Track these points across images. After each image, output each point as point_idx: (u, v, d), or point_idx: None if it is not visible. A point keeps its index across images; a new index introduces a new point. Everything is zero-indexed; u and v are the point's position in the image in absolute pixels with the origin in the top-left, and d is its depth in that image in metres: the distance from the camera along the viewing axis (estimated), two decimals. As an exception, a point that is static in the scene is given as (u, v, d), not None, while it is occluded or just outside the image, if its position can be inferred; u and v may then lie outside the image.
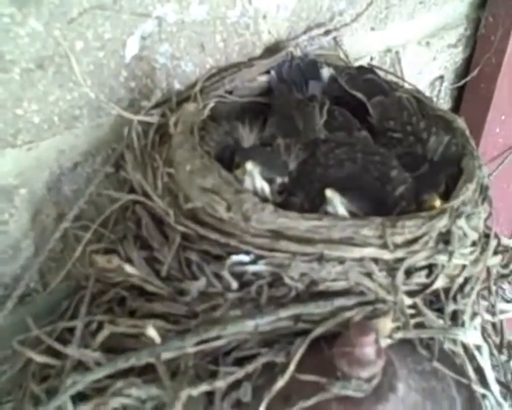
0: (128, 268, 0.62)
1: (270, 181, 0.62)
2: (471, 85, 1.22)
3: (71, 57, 0.61)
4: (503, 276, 0.77)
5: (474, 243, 0.67)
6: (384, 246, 0.60)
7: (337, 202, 0.59)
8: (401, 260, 0.61)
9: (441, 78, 1.19)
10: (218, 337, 0.56)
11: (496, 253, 0.77)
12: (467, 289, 0.66)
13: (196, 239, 0.61)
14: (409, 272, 0.62)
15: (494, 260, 0.75)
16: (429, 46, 1.11)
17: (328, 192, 0.58)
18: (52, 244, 0.67)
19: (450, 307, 0.64)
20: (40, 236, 0.71)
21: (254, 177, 0.60)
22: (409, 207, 0.66)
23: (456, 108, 1.27)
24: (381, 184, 0.67)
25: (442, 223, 0.62)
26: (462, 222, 0.64)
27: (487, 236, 0.72)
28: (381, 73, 0.89)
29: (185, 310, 0.60)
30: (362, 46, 0.98)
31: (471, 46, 1.20)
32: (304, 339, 0.57)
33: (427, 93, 1.19)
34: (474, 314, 0.68)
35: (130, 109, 0.71)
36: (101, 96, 0.67)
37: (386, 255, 0.60)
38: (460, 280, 0.66)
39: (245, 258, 0.58)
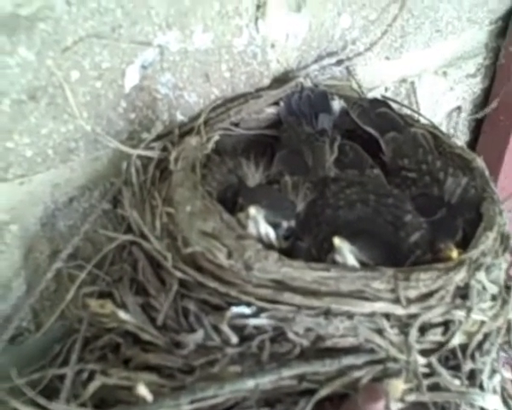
0: (122, 315, 0.59)
1: (275, 225, 0.59)
2: (490, 117, 1.19)
3: (65, 88, 0.59)
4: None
5: (494, 297, 0.63)
6: (396, 301, 0.56)
7: (346, 252, 0.56)
8: (415, 315, 0.57)
9: (458, 108, 1.16)
10: (214, 396, 0.53)
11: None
12: (486, 346, 0.63)
13: (195, 287, 0.58)
14: (423, 329, 0.58)
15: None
16: (446, 76, 1.08)
17: (337, 241, 0.55)
18: (44, 285, 0.64)
19: (468, 366, 0.61)
20: (33, 274, 0.68)
21: (258, 222, 0.57)
22: (423, 257, 0.62)
23: (474, 140, 1.24)
24: (394, 230, 0.64)
25: (460, 276, 0.59)
26: (481, 275, 0.60)
27: (508, 287, 0.68)
28: (396, 106, 0.87)
29: (181, 363, 0.57)
30: (376, 76, 0.95)
31: (490, 76, 1.17)
32: (308, 400, 0.54)
33: (444, 124, 1.16)
34: (494, 372, 0.65)
35: (129, 142, 0.69)
36: (98, 129, 0.65)
37: (399, 311, 0.56)
38: (479, 337, 0.62)
39: (246, 310, 0.55)
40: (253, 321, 0.55)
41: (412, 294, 0.57)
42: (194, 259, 0.59)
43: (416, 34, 0.95)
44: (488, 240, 0.63)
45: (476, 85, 1.16)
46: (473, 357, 0.62)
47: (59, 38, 0.57)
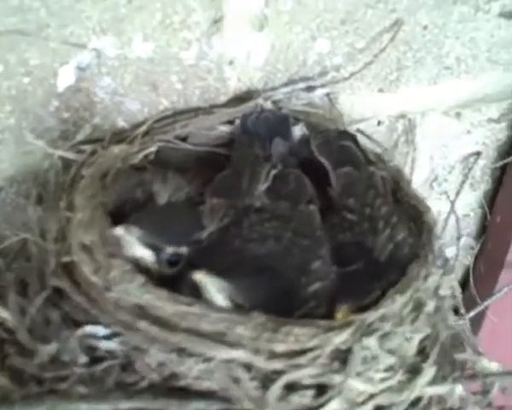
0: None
1: (156, 249, 0.57)
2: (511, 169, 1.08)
3: (-17, 78, 0.60)
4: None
5: (391, 368, 0.56)
6: (258, 352, 0.52)
7: (210, 288, 0.52)
8: (282, 372, 0.52)
9: (477, 154, 1.06)
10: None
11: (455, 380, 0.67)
12: (377, 420, 0.56)
13: (67, 297, 0.57)
14: (292, 388, 0.53)
15: (440, 390, 0.64)
16: (460, 118, 0.99)
17: (198, 276, 0.52)
18: None
19: (354, 439, 0.55)
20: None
21: (130, 243, 0.55)
22: (317, 310, 0.57)
23: (494, 190, 1.13)
24: (297, 275, 0.59)
25: (340, 338, 0.53)
26: (371, 341, 0.54)
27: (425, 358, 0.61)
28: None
29: (38, 372, 0.56)
30: (367, 108, 0.89)
31: (517, 124, 1.06)
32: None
33: (459, 169, 1.07)
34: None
35: (61, 141, 0.69)
36: (24, 124, 0.65)
37: (261, 363, 0.52)
38: (367, 409, 0.56)
39: (100, 331, 0.53)
40: (104, 344, 0.53)
41: (279, 348, 0.52)
42: (72, 269, 0.58)
43: (415, 69, 0.88)
44: (394, 305, 0.57)
45: (501, 132, 1.06)
46: (360, 430, 0.56)
47: (-27, 31, 0.58)
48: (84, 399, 0.51)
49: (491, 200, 1.15)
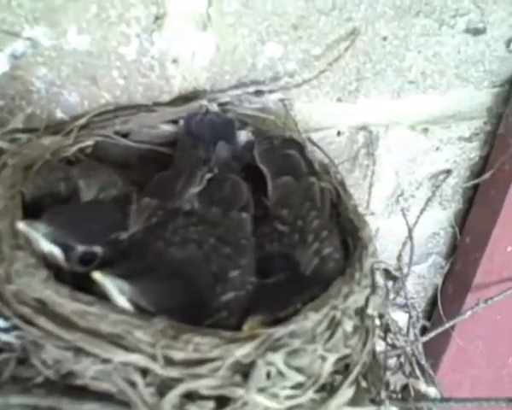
0: None
1: (66, 247, 0.57)
2: (483, 189, 1.08)
3: None
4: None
5: (299, 386, 0.57)
6: (155, 358, 0.52)
7: (110, 289, 0.53)
8: (178, 380, 0.53)
9: (447, 172, 1.07)
10: None
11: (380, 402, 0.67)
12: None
13: (-26, 287, 0.58)
14: (191, 398, 0.54)
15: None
16: (427, 134, 0.99)
17: (96, 275, 0.52)
18: None
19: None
20: None
21: (35, 238, 0.56)
22: (228, 320, 0.58)
23: (466, 210, 1.13)
24: (212, 282, 0.60)
25: (242, 351, 0.53)
26: (276, 357, 0.54)
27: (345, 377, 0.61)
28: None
29: None
30: (326, 117, 0.89)
31: (491, 144, 1.06)
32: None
33: (427, 186, 1.07)
34: None
35: (-5, 127, 0.70)
36: (-46, 107, 0.66)
37: (158, 369, 0.52)
38: (271, 424, 0.56)
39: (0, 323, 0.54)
40: (3, 336, 0.54)
41: (177, 355, 0.53)
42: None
43: (375, 80, 0.88)
44: (306, 321, 0.57)
45: (472, 151, 1.06)
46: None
47: None
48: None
49: (462, 220, 1.15)
